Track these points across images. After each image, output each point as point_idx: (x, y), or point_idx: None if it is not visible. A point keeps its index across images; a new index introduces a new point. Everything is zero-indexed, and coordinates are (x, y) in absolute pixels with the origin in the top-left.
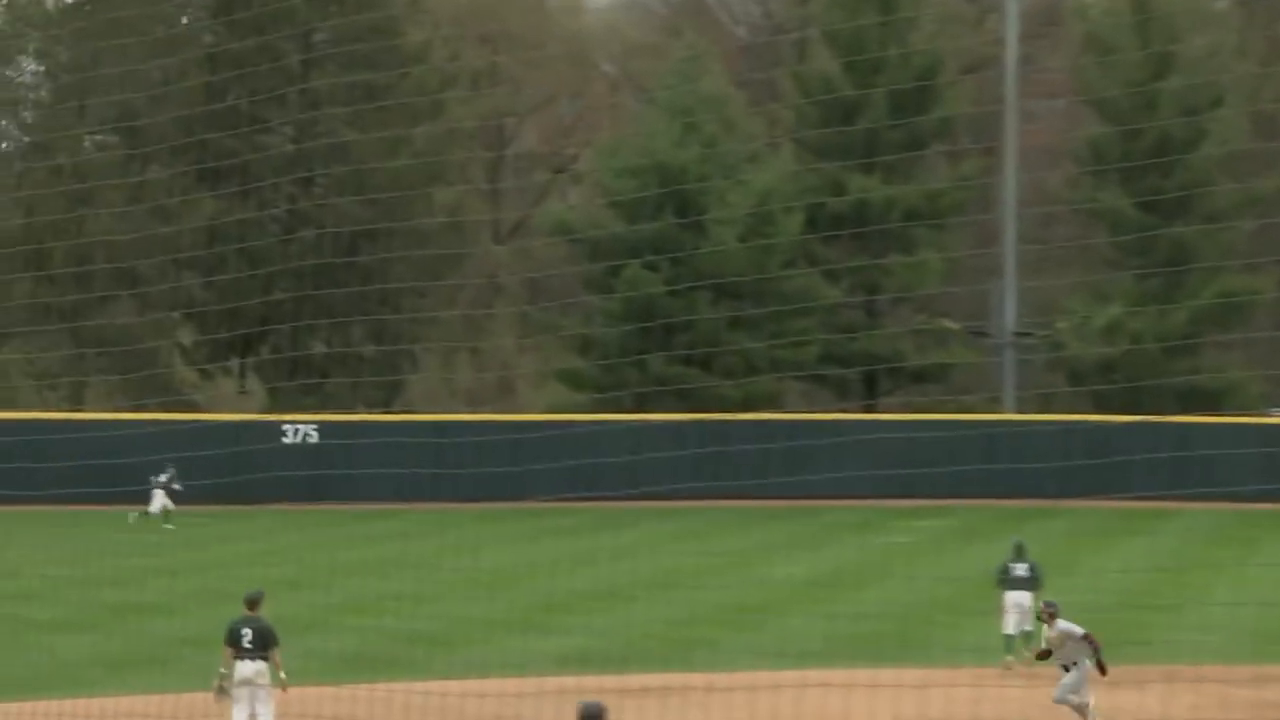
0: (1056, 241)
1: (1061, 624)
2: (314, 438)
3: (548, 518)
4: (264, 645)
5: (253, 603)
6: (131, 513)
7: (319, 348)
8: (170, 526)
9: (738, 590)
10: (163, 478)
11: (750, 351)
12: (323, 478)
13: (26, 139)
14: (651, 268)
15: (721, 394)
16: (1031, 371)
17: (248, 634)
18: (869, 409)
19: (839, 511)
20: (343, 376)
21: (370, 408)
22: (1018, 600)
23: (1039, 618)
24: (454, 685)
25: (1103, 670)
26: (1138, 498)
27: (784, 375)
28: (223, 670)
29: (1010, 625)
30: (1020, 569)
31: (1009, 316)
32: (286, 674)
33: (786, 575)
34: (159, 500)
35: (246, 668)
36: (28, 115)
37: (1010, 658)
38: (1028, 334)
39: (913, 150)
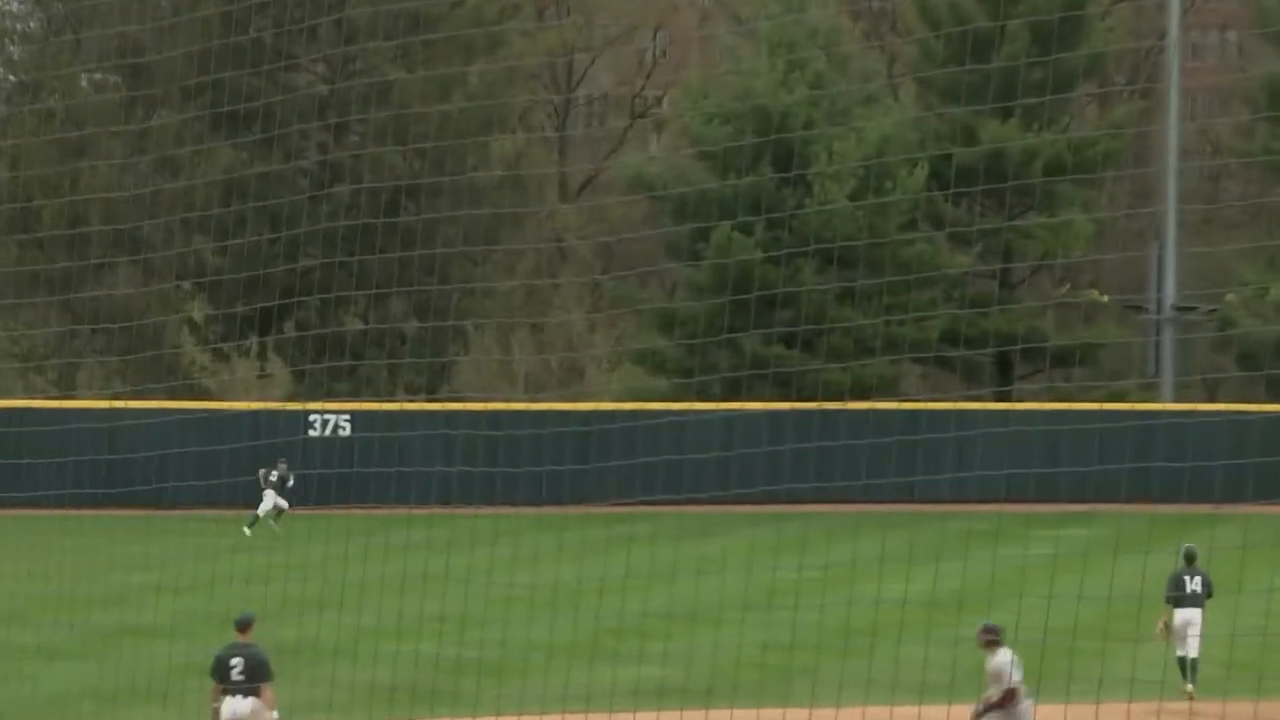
0: (1226, 200)
1: (1000, 657)
2: (346, 429)
3: (620, 524)
4: (255, 678)
5: (244, 626)
6: (244, 527)
7: (353, 324)
8: (277, 528)
9: (844, 610)
10: (274, 475)
11: (862, 329)
12: (356, 477)
13: (12, 78)
14: (746, 230)
15: (828, 379)
16: (1196, 353)
17: (237, 664)
18: (1002, 397)
19: (965, 518)
20: (380, 358)
21: (413, 394)
22: (1189, 619)
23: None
24: None
25: None
26: None
27: (902, 357)
28: (214, 705)
29: (1192, 648)
30: (1195, 582)
31: (1169, 288)
32: (280, 713)
33: (902, 593)
34: (270, 499)
35: (236, 705)
36: (14, 50)
37: (1190, 686)
38: (1191, 308)
39: (1057, 92)
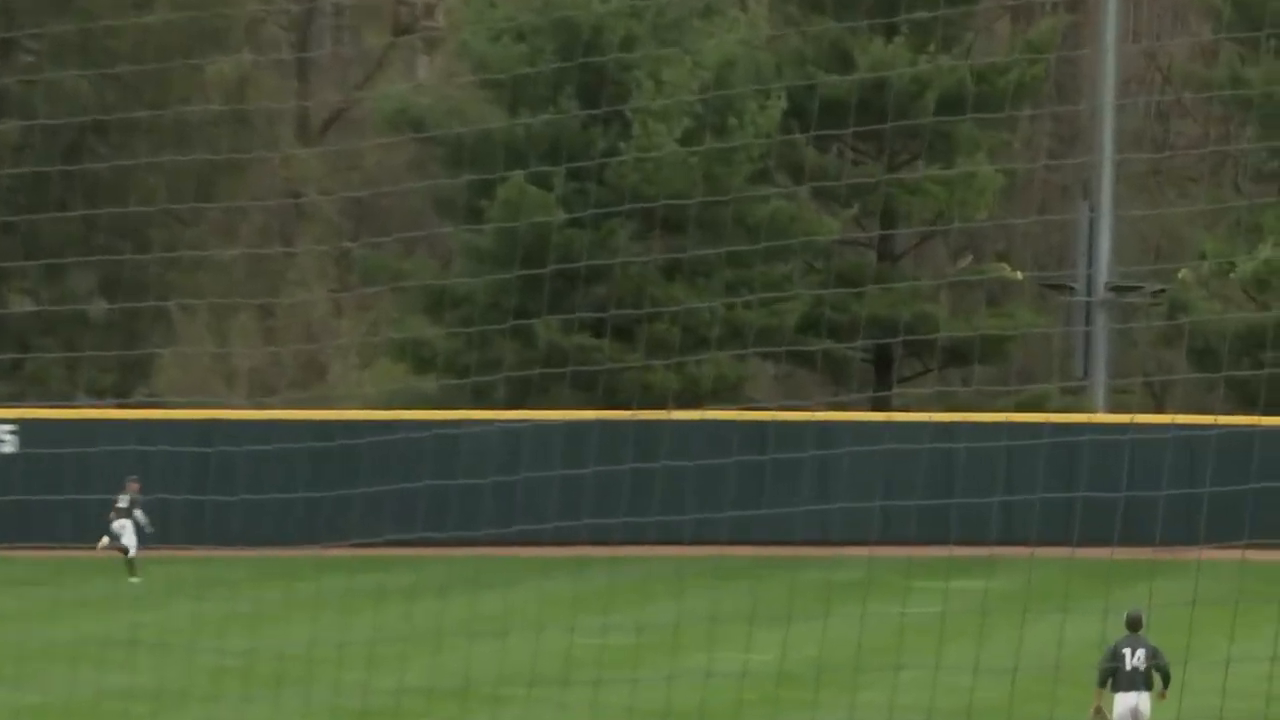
0: (1179, 147)
1: None
2: (9, 445)
3: (368, 572)
4: None
5: None
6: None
7: (19, 304)
8: (136, 580)
9: (663, 688)
10: (123, 500)
11: (696, 314)
12: (18, 507)
13: None
14: (543, 183)
15: (649, 380)
16: (1136, 347)
17: None
18: (879, 404)
19: (826, 564)
20: (55, 349)
21: (97, 398)
22: (1133, 706)
23: None
24: None
25: None
26: None
27: (748, 351)
28: None
29: None
30: (1138, 656)
31: (1103, 262)
32: None
33: (741, 664)
34: (128, 533)
35: None
36: None
37: None
38: (1132, 289)
39: (958, 2)
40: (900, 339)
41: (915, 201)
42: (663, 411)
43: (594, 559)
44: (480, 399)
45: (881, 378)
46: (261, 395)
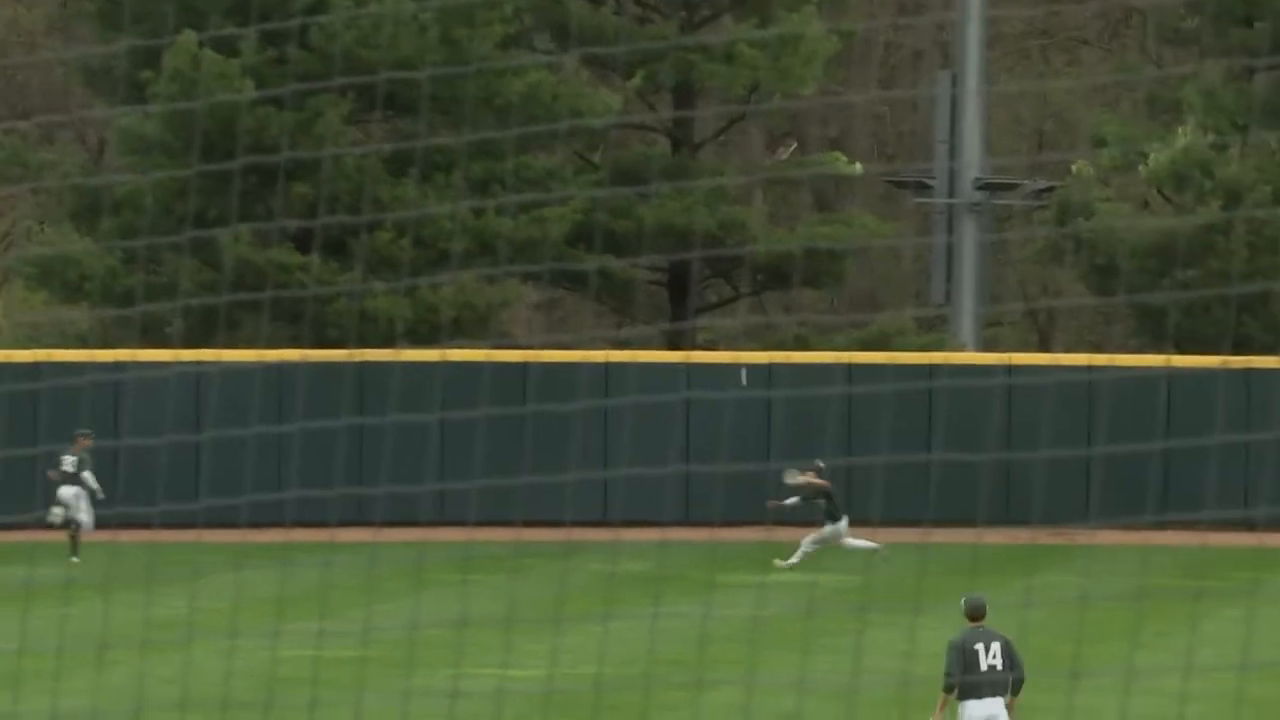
0: None
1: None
2: None
3: None
4: None
5: None
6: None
7: None
8: (76, 560)
9: (393, 715)
10: (67, 461)
11: (433, 223)
12: None
13: None
14: (227, 48)
15: (373, 309)
16: (1014, 264)
17: None
18: (674, 340)
19: (609, 552)
20: None
21: None
22: (991, 716)
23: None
24: None
25: None
26: (1235, 525)
27: (503, 271)
28: None
29: None
30: (993, 654)
31: (971, 152)
32: None
33: (496, 683)
34: (79, 503)
35: None
36: None
37: None
38: (1009, 186)
39: None
40: (701, 254)
41: (721, 71)
42: (390, 350)
43: (304, 545)
44: (150, 335)
45: (678, 305)
46: None
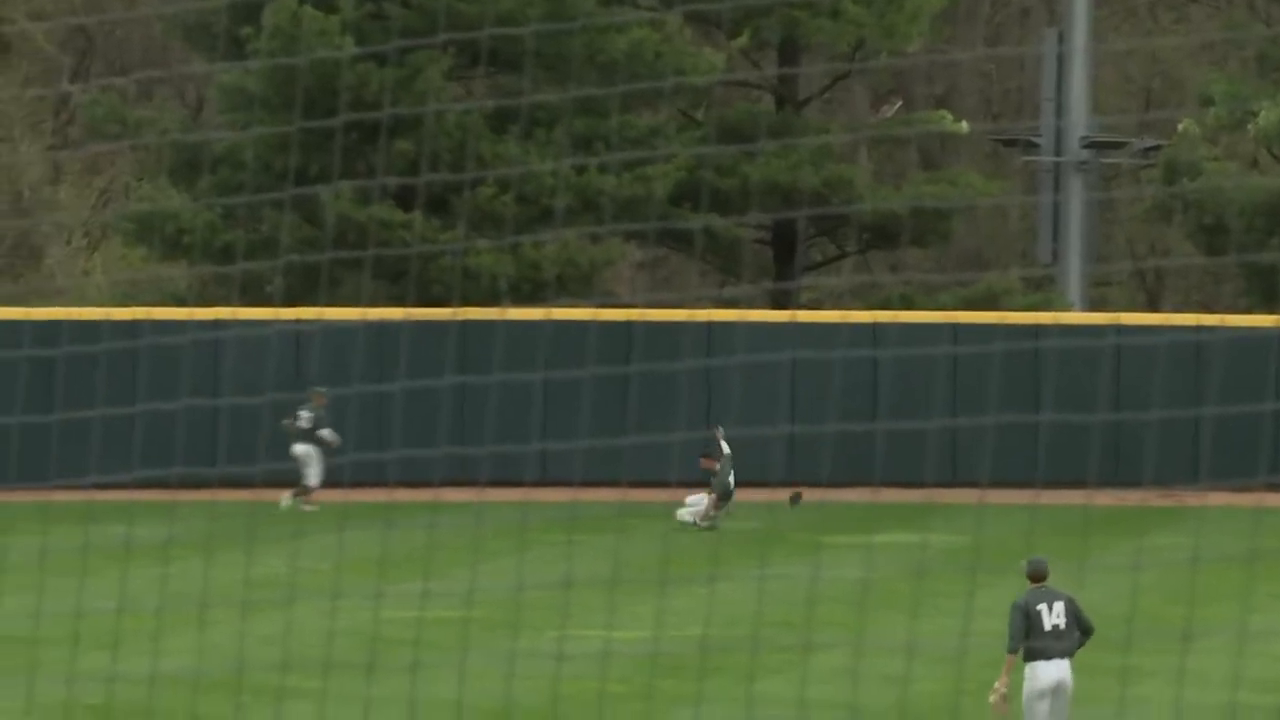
0: None
1: None
2: None
3: (66, 523)
4: None
5: None
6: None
7: None
8: (304, 505)
9: (498, 678)
10: (303, 417)
11: (537, 180)
12: None
13: None
14: (326, 4)
15: (476, 266)
16: (1122, 223)
17: None
18: (779, 300)
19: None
20: None
21: None
22: (1058, 678)
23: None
24: None
25: None
26: None
27: (608, 229)
28: None
29: None
30: (1056, 613)
31: (1078, 111)
32: None
33: (603, 645)
34: (313, 462)
35: None
36: None
37: None
38: (1115, 145)
39: None
40: (806, 213)
41: (826, 28)
42: (494, 308)
43: (407, 505)
44: (250, 293)
45: (783, 264)
46: None
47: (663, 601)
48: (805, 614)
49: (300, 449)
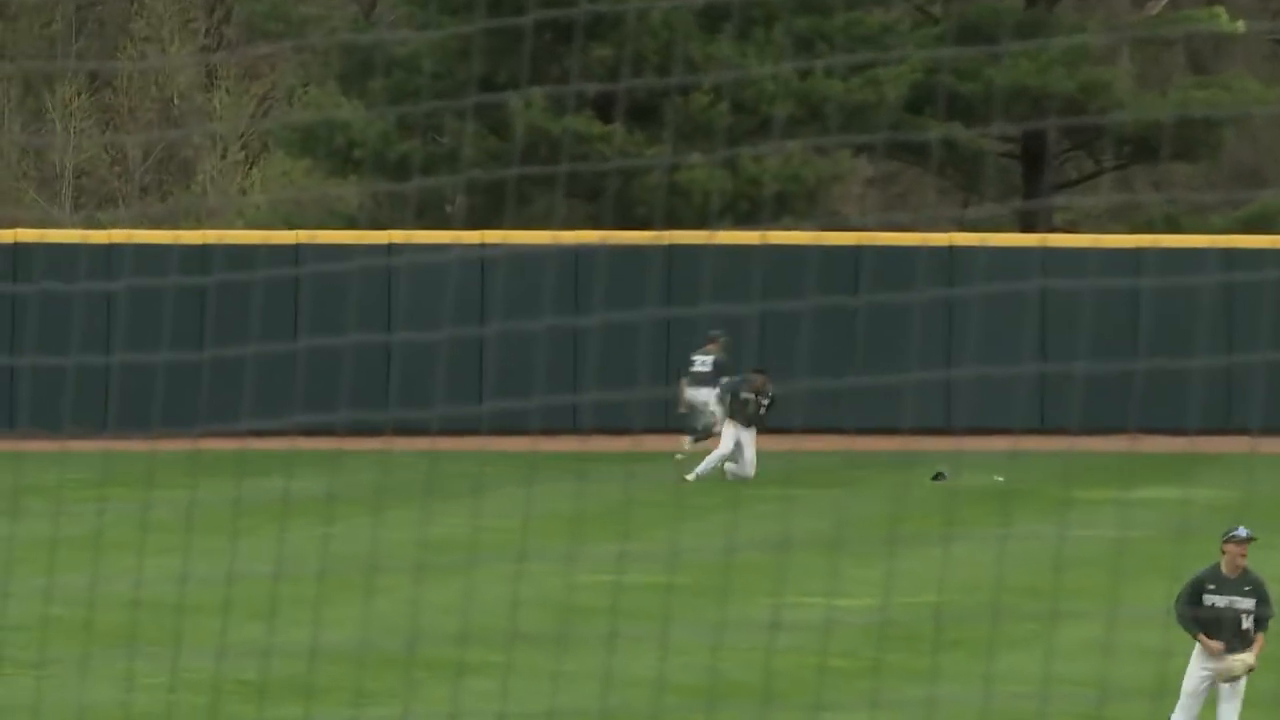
0: None
1: None
2: None
3: (218, 476)
4: None
5: None
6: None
7: None
8: (739, 468)
9: (704, 649)
10: (700, 363)
11: (754, 86)
12: None
13: None
14: None
15: (685, 183)
16: None
17: None
18: (1027, 221)
19: (950, 462)
20: None
21: None
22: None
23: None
24: None
25: None
26: None
27: (834, 140)
28: None
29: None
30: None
31: None
32: None
33: (824, 613)
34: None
35: None
36: None
37: None
38: None
39: None
40: (1059, 122)
41: None
42: (703, 231)
43: (602, 455)
44: (428, 214)
45: (1032, 181)
46: (96, 207)
47: (891, 564)
48: (1052, 580)
49: (698, 394)
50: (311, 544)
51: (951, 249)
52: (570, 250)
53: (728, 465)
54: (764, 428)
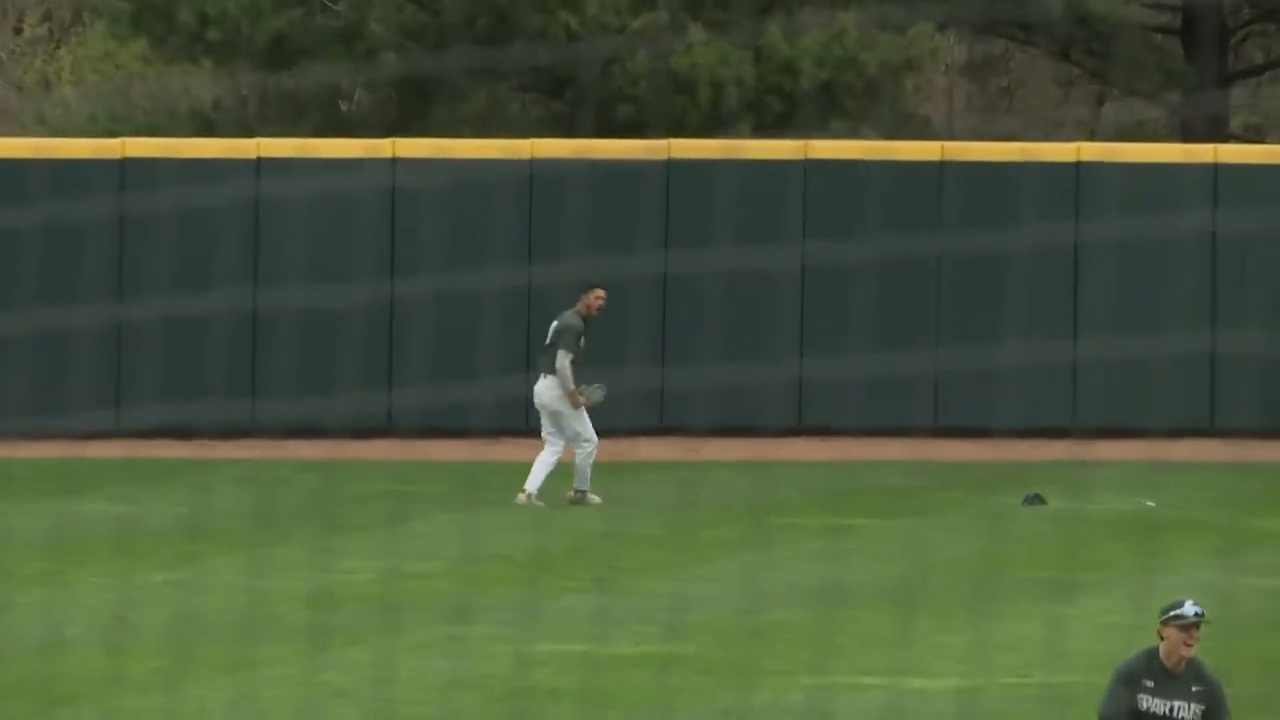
0: None
1: None
2: None
3: None
4: None
5: None
6: None
7: None
8: None
9: None
10: None
11: None
12: None
13: None
14: None
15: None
16: None
17: None
18: (1226, 129)
19: (1057, 471)
20: None
21: None
22: None
23: None
24: None
25: None
26: None
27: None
28: None
29: None
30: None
31: None
32: None
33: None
34: None
35: None
36: None
37: None
38: None
39: None
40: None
41: None
42: (717, 140)
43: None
44: (314, 116)
45: (1199, 67)
46: None
47: (985, 628)
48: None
49: None
50: (148, 596)
51: (1078, 166)
52: (524, 168)
53: None
54: None
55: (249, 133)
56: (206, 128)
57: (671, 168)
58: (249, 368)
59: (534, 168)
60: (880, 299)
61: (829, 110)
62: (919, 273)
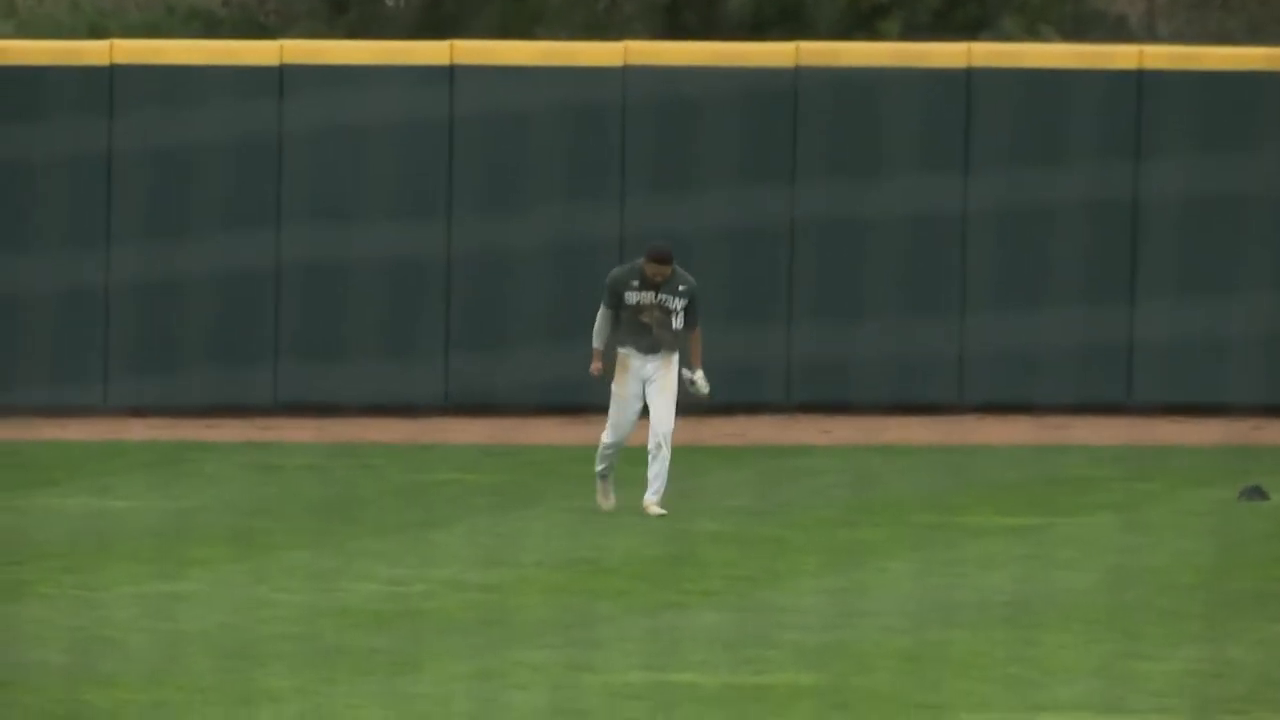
0: None
1: None
2: None
3: None
4: None
5: None
6: None
7: None
8: None
9: None
10: None
11: None
12: None
13: None
14: None
15: None
16: None
17: None
18: None
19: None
20: None
21: None
22: None
23: None
24: None
25: None
26: None
27: None
28: None
29: None
30: None
31: None
32: None
33: None
34: None
35: None
36: None
37: None
38: None
39: None
40: None
41: None
42: (853, 42)
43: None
44: (348, 13)
45: None
46: None
47: (1202, 651)
48: None
49: None
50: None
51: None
52: (615, 76)
53: None
54: None
55: (266, 35)
56: (212, 28)
57: (800, 76)
58: None
59: (624, 77)
60: (1080, 251)
61: (992, 8)
62: (1116, 205)
